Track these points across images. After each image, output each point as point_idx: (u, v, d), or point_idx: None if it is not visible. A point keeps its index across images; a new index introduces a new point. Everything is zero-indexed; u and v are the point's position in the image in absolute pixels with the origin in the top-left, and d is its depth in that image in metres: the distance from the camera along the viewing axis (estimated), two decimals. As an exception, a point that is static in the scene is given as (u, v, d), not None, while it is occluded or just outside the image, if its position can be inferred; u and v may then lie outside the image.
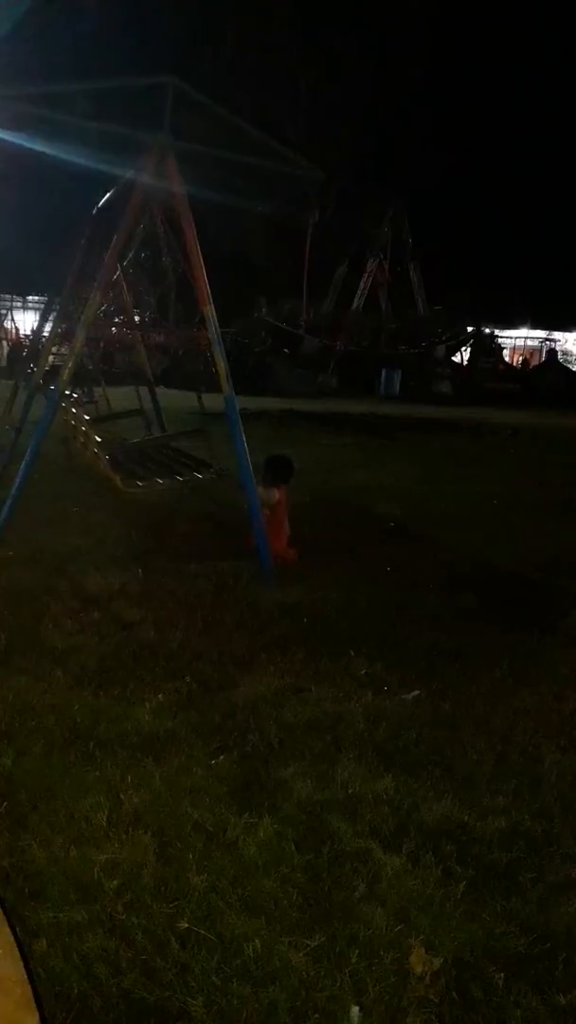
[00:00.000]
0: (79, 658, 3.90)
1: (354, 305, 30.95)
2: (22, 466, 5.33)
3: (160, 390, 8.31)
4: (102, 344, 11.19)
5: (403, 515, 7.59)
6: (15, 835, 2.56)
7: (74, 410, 6.42)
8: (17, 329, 28.03)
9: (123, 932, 2.20)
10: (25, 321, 29.39)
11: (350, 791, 2.91)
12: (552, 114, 31.20)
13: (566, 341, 40.58)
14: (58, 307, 8.21)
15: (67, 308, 7.85)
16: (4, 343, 26.39)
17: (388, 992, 2.08)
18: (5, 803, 2.71)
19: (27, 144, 5.20)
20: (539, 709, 3.72)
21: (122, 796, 2.78)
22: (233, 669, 3.92)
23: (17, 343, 25.73)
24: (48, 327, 8.99)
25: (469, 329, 32.84)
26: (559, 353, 37.00)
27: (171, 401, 8.00)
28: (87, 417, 6.55)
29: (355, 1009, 2.03)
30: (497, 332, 35.85)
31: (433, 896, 2.43)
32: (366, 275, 31.09)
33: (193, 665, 3.93)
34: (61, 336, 8.29)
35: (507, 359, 36.55)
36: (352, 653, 4.16)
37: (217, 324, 5.35)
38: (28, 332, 25.56)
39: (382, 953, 2.20)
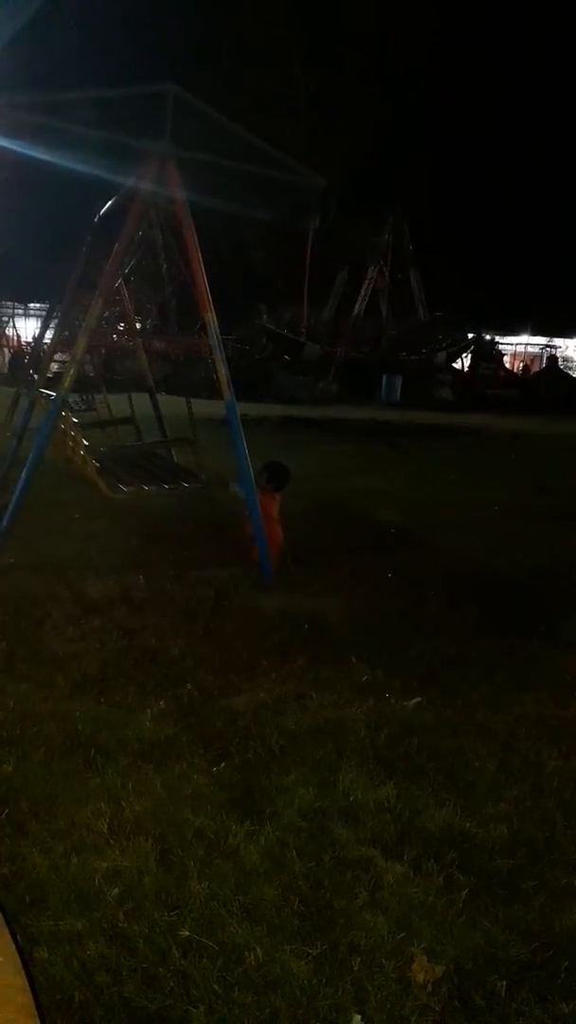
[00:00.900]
0: (80, 665, 3.90)
1: (355, 311, 31.01)
2: (24, 473, 5.34)
3: (161, 396, 8.32)
4: (103, 351, 11.22)
5: (404, 521, 7.59)
6: (16, 842, 2.56)
7: (64, 413, 6.43)
8: (19, 336, 28.08)
9: (124, 940, 2.20)
10: (27, 328, 29.45)
11: (352, 798, 2.90)
12: (555, 120, 31.29)
13: (567, 347, 40.62)
14: (60, 314, 8.24)
15: (69, 315, 7.87)
16: (6, 350, 26.42)
17: (390, 1000, 2.08)
18: (6, 810, 2.70)
19: (29, 152, 5.23)
20: (540, 715, 3.71)
21: (123, 803, 2.78)
22: (234, 676, 3.92)
23: (19, 350, 25.76)
24: (50, 334, 9.01)
25: (470, 335, 32.89)
26: (560, 359, 37.02)
27: (172, 408, 8.00)
28: (75, 421, 6.56)
29: (357, 1018, 2.02)
30: (498, 338, 35.90)
31: (435, 904, 2.43)
32: (367, 281, 31.17)
33: (194, 672, 3.93)
34: (63, 343, 8.31)
35: (508, 365, 36.57)
36: (353, 659, 4.16)
37: (218, 331, 5.37)
38: (30, 339, 25.63)
39: (384, 961, 2.19)
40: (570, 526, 8.01)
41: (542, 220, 31.29)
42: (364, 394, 25.78)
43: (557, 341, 40.37)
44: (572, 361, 39.54)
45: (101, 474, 5.57)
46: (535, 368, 37.28)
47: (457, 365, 32.76)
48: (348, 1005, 2.05)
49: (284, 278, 31.71)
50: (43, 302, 26.54)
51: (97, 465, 5.59)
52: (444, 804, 2.92)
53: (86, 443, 5.84)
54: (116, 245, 5.59)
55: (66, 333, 8.20)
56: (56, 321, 8.49)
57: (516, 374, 35.00)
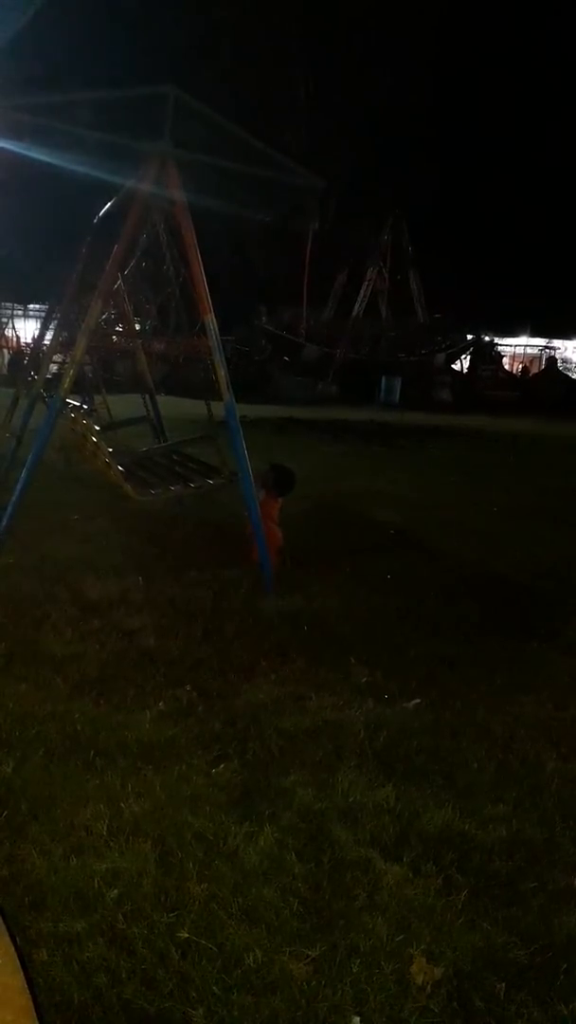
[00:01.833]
0: (80, 666, 3.90)
1: (354, 313, 31.01)
2: (23, 474, 5.33)
3: (160, 397, 8.32)
4: (102, 352, 11.22)
5: (403, 522, 7.59)
6: (15, 844, 2.56)
7: (84, 421, 6.43)
8: (18, 337, 28.07)
9: (123, 942, 2.20)
10: (26, 329, 29.44)
11: (351, 800, 2.90)
12: (553, 122, 31.30)
13: (566, 349, 40.62)
14: (59, 315, 8.23)
15: (68, 316, 7.86)
16: (5, 351, 26.41)
17: (389, 1002, 2.08)
18: (5, 812, 2.70)
19: (28, 153, 5.23)
20: (540, 717, 3.71)
21: (122, 805, 2.78)
22: (233, 677, 3.92)
23: (18, 351, 25.75)
24: (49, 335, 9.00)
25: (469, 337, 32.91)
26: (559, 361, 37.04)
27: (170, 408, 8.01)
28: (97, 427, 6.55)
29: (356, 1019, 2.02)
30: (497, 340, 35.90)
31: (434, 905, 2.43)
32: (366, 283, 31.16)
33: (193, 673, 3.92)
34: (62, 344, 8.30)
35: (507, 367, 36.58)
36: (352, 661, 4.16)
37: (218, 332, 5.36)
38: (29, 340, 25.62)
39: (383, 963, 2.19)
40: (570, 527, 8.01)
41: (541, 221, 31.31)
42: (363, 395, 25.78)
43: (556, 342, 40.37)
44: (571, 362, 39.55)
45: (127, 478, 5.55)
46: (534, 369, 37.29)
47: (456, 367, 32.77)
48: (347, 1007, 2.06)
49: (283, 279, 31.73)
50: (42, 303, 26.54)
51: (121, 469, 5.56)
52: (443, 805, 2.92)
53: (110, 449, 5.81)
54: (115, 246, 5.59)
55: (65, 334, 8.19)
56: (55, 322, 8.48)
57: (515, 375, 35.01)
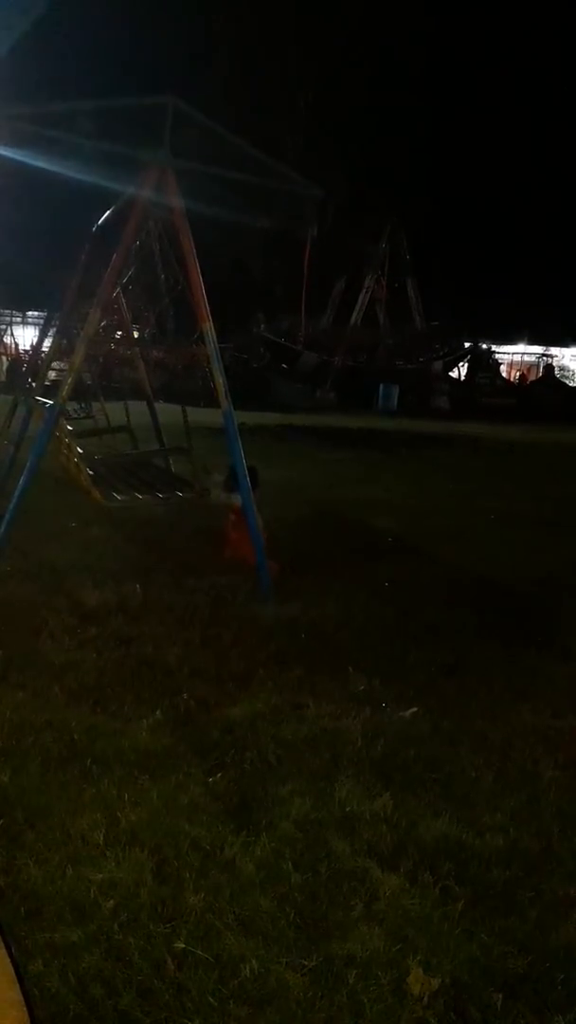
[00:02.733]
0: (77, 674, 3.89)
1: (352, 320, 31.10)
2: (21, 481, 5.33)
3: (159, 404, 8.33)
4: (101, 360, 11.23)
5: (401, 530, 7.60)
6: (11, 853, 2.55)
7: (59, 422, 6.46)
8: (17, 344, 28.12)
9: (120, 952, 2.19)
10: (24, 336, 29.49)
11: (348, 809, 2.90)
12: (553, 130, 31.43)
13: (563, 356, 40.76)
14: (58, 323, 8.25)
15: (67, 324, 7.88)
16: (3, 358, 26.45)
17: (386, 1013, 2.07)
18: (1, 820, 2.69)
19: (28, 161, 5.25)
20: (537, 725, 3.71)
21: (119, 814, 2.77)
22: (231, 685, 3.91)
23: (16, 358, 25.80)
24: (48, 342, 9.01)
25: (467, 344, 33.00)
26: (556, 368, 37.16)
27: (169, 416, 8.02)
28: (71, 428, 6.57)
29: None
30: (494, 348, 36.01)
31: (431, 915, 2.42)
32: (364, 291, 31.27)
33: (191, 681, 3.92)
34: (61, 351, 8.32)
35: (504, 374, 36.68)
36: (350, 669, 4.15)
37: (216, 340, 5.38)
38: (27, 347, 25.66)
39: (379, 974, 2.19)
40: (567, 535, 8.02)
41: (539, 229, 31.41)
42: (361, 403, 25.84)
43: (553, 350, 40.53)
44: (568, 370, 39.67)
45: (95, 482, 5.58)
46: (532, 377, 37.40)
47: (454, 374, 32.85)
48: (344, 1018, 2.05)
49: (282, 287, 31.79)
50: (41, 310, 26.57)
51: (91, 473, 5.60)
52: (440, 815, 2.91)
53: (80, 451, 5.85)
54: (114, 255, 5.60)
55: (64, 341, 8.21)
56: (54, 329, 8.50)
57: (513, 383, 35.10)
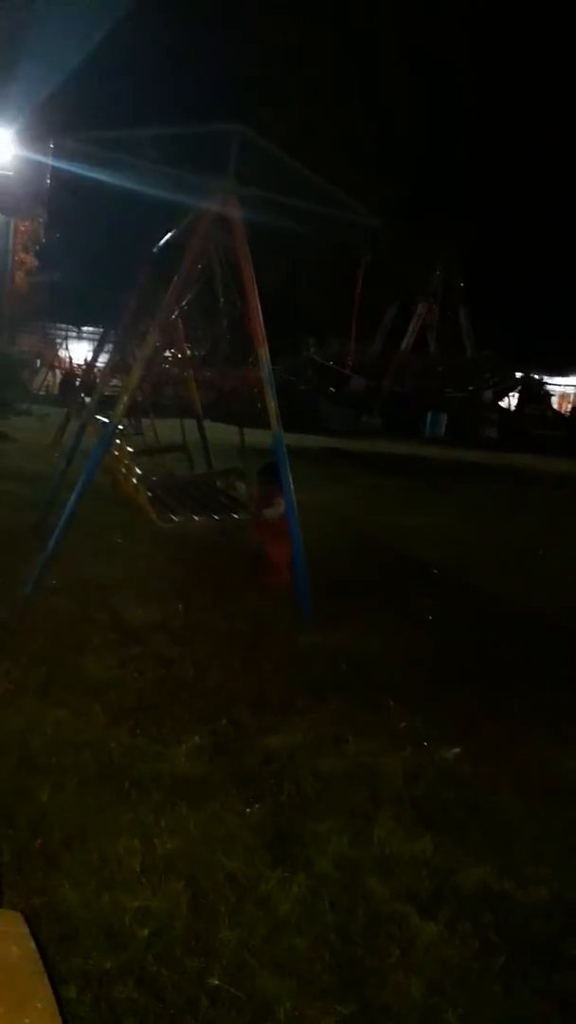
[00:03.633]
0: (118, 693, 3.90)
1: (402, 346, 31.08)
2: (72, 496, 5.39)
3: (206, 423, 8.39)
4: (154, 378, 11.38)
5: (446, 561, 7.51)
6: (48, 874, 2.54)
7: (118, 441, 6.51)
8: (71, 358, 28.65)
9: (153, 985, 2.16)
10: (78, 351, 30.04)
11: (387, 851, 2.84)
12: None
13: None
14: (114, 340, 8.37)
15: (123, 342, 7.99)
16: (58, 371, 26.96)
17: (422, 1069, 2.01)
18: (39, 840, 2.69)
19: (97, 178, 5.37)
20: (583, 774, 3.61)
21: (155, 841, 2.75)
22: (270, 714, 3.88)
23: (70, 371, 26.27)
24: (103, 358, 9.15)
25: (518, 375, 32.74)
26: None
27: (215, 435, 8.07)
28: (130, 449, 6.65)
29: None
30: (546, 378, 35.66)
31: (470, 968, 2.36)
32: (416, 317, 31.26)
33: (230, 707, 3.89)
34: (116, 368, 8.44)
35: (555, 406, 36.26)
36: (391, 703, 4.09)
37: (270, 365, 5.40)
38: (81, 361, 26.12)
39: (416, 1027, 2.13)
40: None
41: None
42: (408, 429, 25.73)
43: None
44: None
45: (153, 503, 5.62)
46: (583, 410, 36.88)
47: (504, 404, 32.58)
48: (378, 1071, 1.99)
49: (334, 311, 31.97)
50: (97, 326, 27.07)
51: (149, 494, 5.64)
52: (481, 862, 2.84)
53: (139, 471, 5.90)
54: (175, 277, 5.67)
55: (118, 358, 8.33)
56: (110, 346, 8.63)
57: (563, 415, 34.67)
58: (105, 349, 9.49)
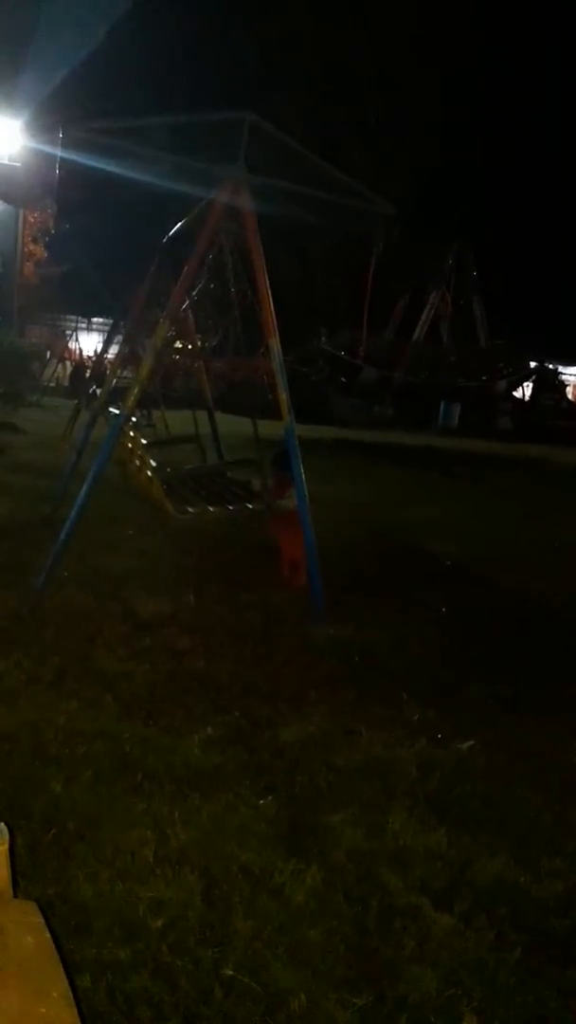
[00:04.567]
0: (129, 685, 3.90)
1: (415, 336, 30.92)
2: (84, 488, 5.38)
3: (216, 414, 8.37)
4: (164, 369, 11.35)
5: (460, 554, 7.47)
6: (62, 864, 2.55)
7: (132, 433, 6.50)
8: (81, 350, 28.66)
9: (167, 975, 2.16)
10: (87, 342, 30.03)
11: (401, 843, 2.83)
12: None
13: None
14: (124, 331, 8.36)
15: (132, 332, 7.98)
16: (68, 363, 26.98)
17: (437, 1062, 2.00)
18: (53, 830, 2.69)
19: (105, 169, 5.32)
20: (599, 766, 3.58)
21: (168, 832, 2.75)
22: (282, 705, 3.86)
23: (80, 363, 26.28)
24: (113, 349, 9.15)
25: (532, 364, 32.51)
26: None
27: (226, 426, 8.05)
28: (144, 441, 6.63)
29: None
30: (561, 368, 35.41)
31: (486, 961, 2.34)
32: (428, 307, 31.08)
33: (242, 699, 3.89)
34: (125, 358, 8.42)
35: (570, 396, 36.02)
36: (404, 696, 4.07)
37: (281, 356, 5.37)
38: (90, 353, 26.12)
39: (432, 1018, 2.12)
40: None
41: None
42: (421, 419, 25.62)
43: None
44: None
45: (168, 495, 5.61)
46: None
47: (518, 394, 32.39)
48: (393, 1064, 1.98)
49: (345, 301, 31.82)
50: (107, 317, 27.05)
51: (164, 487, 5.63)
52: (497, 855, 2.82)
53: (154, 464, 5.89)
54: (185, 268, 5.64)
55: (127, 349, 8.32)
56: (120, 337, 8.62)
57: (577, 405, 34.46)
58: (115, 340, 9.48)
